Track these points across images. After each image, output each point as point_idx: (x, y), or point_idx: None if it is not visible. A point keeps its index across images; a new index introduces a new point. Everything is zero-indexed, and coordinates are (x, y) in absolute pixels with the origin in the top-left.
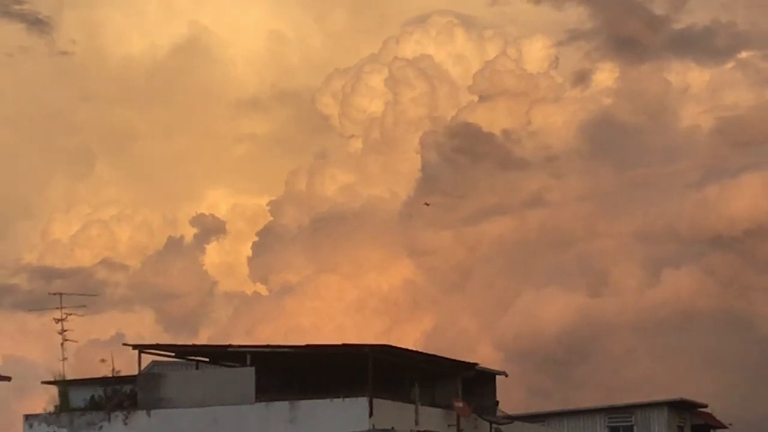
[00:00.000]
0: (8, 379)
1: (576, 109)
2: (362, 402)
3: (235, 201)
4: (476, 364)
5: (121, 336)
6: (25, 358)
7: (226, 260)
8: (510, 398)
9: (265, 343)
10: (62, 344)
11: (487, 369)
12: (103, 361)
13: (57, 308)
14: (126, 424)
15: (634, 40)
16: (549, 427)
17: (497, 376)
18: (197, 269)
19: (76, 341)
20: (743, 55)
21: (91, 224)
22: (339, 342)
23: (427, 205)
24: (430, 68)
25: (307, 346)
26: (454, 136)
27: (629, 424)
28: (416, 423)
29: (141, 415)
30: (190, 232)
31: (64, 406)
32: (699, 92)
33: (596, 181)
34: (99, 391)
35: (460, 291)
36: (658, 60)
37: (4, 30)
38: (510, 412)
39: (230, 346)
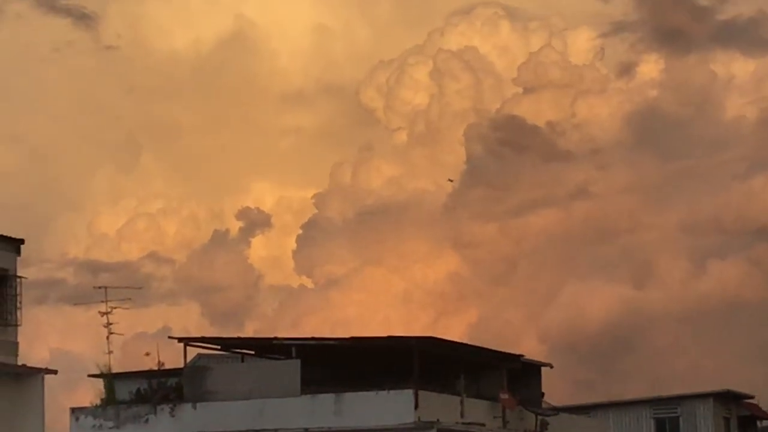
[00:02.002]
0: (55, 372)
1: (621, 101)
2: (408, 394)
3: (281, 194)
4: (521, 355)
5: (167, 329)
6: (72, 351)
7: (271, 253)
8: (555, 390)
9: (310, 336)
10: (108, 338)
11: (533, 361)
12: (147, 354)
13: (102, 302)
14: (172, 416)
15: (679, 32)
16: (595, 419)
17: (542, 368)
18: (243, 262)
19: (122, 334)
20: None
21: (137, 218)
22: (384, 334)
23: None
24: (475, 60)
25: (353, 338)
26: (498, 128)
27: (675, 415)
28: (462, 415)
29: (187, 407)
30: (235, 226)
31: (110, 400)
32: (744, 83)
33: (641, 173)
34: (145, 384)
35: (505, 283)
36: (703, 51)
37: (51, 25)
38: (555, 403)
39: (275, 338)
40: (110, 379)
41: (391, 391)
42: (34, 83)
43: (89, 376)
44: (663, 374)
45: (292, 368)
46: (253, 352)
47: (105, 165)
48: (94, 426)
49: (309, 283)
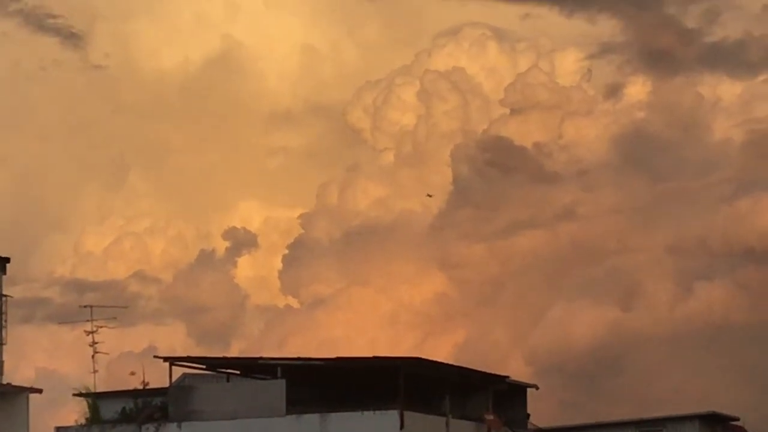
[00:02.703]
0: (39, 391)
1: (608, 123)
2: (393, 415)
3: (268, 214)
4: (507, 376)
5: (153, 349)
6: (57, 370)
7: (258, 273)
8: (541, 411)
9: (296, 356)
10: (93, 357)
11: (518, 382)
12: (132, 373)
13: (88, 321)
14: None
15: (666, 54)
16: None
17: (528, 389)
18: (229, 282)
19: (107, 353)
20: None
21: (123, 237)
22: (370, 355)
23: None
24: (462, 81)
25: (338, 358)
26: (485, 149)
27: None
28: None
29: (172, 427)
30: (222, 246)
31: (95, 419)
32: (730, 105)
33: (628, 195)
34: (130, 404)
35: (491, 304)
36: (691, 73)
37: (38, 43)
38: (541, 424)
39: (261, 358)
40: (95, 398)
41: (377, 412)
42: (21, 102)
43: (74, 395)
44: (649, 396)
45: (277, 388)
46: (238, 372)
47: (92, 184)
48: None
49: (295, 303)
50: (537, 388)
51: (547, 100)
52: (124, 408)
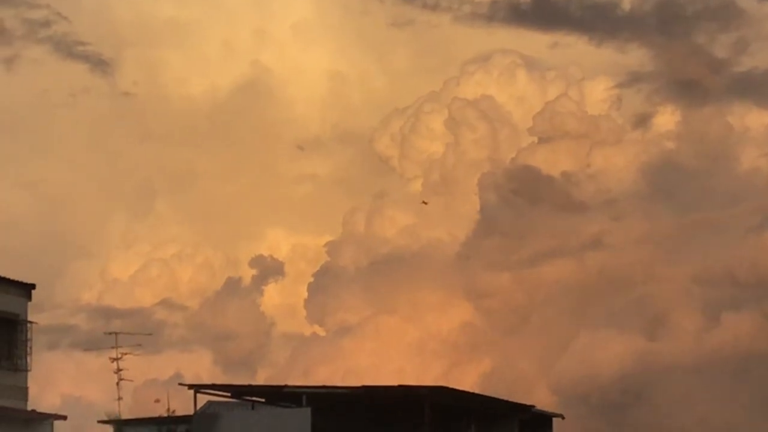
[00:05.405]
0: (65, 418)
1: (636, 152)
2: None
3: (295, 241)
4: (533, 406)
5: (179, 376)
6: (83, 397)
7: (284, 301)
8: None
9: (321, 384)
10: (118, 384)
11: (544, 411)
12: (157, 401)
13: (114, 348)
14: None
15: (695, 83)
16: None
17: (554, 419)
18: (255, 310)
19: (132, 380)
20: None
21: (150, 264)
22: (396, 383)
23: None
24: (491, 109)
25: (364, 387)
26: (513, 178)
27: None
28: None
29: None
30: (248, 273)
31: None
32: (759, 135)
33: (656, 224)
34: (155, 431)
35: (518, 333)
36: (720, 103)
37: (67, 71)
38: None
39: (286, 386)
40: (120, 425)
41: None
42: (49, 128)
43: (99, 422)
44: (674, 426)
45: (302, 416)
46: (263, 400)
47: (119, 211)
48: None
49: (321, 332)
50: (563, 418)
51: (576, 129)
52: None
